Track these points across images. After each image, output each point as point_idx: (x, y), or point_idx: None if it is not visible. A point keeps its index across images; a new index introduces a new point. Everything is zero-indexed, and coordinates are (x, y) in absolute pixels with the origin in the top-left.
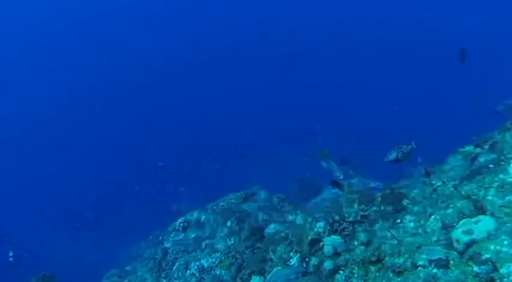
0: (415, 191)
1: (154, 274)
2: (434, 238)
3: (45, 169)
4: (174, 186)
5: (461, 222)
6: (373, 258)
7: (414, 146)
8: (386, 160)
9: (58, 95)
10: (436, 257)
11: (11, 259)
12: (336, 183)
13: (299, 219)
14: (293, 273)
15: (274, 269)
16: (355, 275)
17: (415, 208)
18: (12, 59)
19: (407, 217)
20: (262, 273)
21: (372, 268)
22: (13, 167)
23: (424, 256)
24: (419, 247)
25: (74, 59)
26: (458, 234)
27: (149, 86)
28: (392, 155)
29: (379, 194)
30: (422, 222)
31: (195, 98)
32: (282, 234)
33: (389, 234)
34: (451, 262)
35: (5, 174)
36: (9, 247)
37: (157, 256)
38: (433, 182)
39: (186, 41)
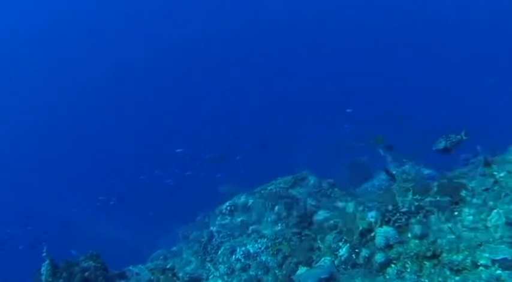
0: (474, 181)
1: (199, 257)
2: (497, 235)
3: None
4: (194, 172)
5: None
6: (429, 254)
7: (464, 137)
8: (434, 149)
9: (88, 87)
10: (501, 256)
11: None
12: (389, 172)
13: (350, 207)
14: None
15: (322, 259)
16: (408, 270)
17: (474, 200)
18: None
19: (466, 210)
20: (309, 263)
21: (427, 264)
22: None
23: (487, 255)
24: (480, 244)
25: (103, 54)
26: None
27: (180, 77)
28: (441, 144)
29: (435, 184)
30: (483, 216)
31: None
32: (332, 222)
33: (446, 227)
34: None
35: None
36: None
37: (203, 239)
38: (495, 173)
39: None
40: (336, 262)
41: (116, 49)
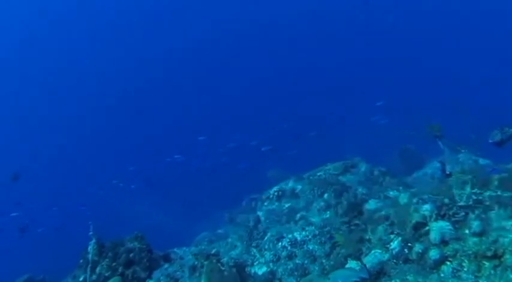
0: None
1: (245, 242)
2: None
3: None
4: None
5: None
6: (489, 253)
7: None
8: (490, 141)
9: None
10: None
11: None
12: (444, 166)
13: (403, 198)
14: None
15: (372, 251)
16: (465, 269)
17: None
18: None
19: None
20: (358, 256)
21: (486, 264)
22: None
23: None
24: None
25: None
26: None
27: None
28: (497, 136)
29: (495, 177)
30: None
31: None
32: (383, 212)
33: (509, 225)
34: None
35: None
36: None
37: (249, 224)
38: None
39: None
40: (387, 256)
41: (148, 38)
